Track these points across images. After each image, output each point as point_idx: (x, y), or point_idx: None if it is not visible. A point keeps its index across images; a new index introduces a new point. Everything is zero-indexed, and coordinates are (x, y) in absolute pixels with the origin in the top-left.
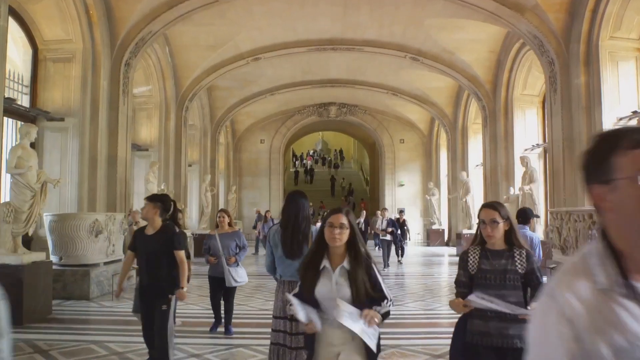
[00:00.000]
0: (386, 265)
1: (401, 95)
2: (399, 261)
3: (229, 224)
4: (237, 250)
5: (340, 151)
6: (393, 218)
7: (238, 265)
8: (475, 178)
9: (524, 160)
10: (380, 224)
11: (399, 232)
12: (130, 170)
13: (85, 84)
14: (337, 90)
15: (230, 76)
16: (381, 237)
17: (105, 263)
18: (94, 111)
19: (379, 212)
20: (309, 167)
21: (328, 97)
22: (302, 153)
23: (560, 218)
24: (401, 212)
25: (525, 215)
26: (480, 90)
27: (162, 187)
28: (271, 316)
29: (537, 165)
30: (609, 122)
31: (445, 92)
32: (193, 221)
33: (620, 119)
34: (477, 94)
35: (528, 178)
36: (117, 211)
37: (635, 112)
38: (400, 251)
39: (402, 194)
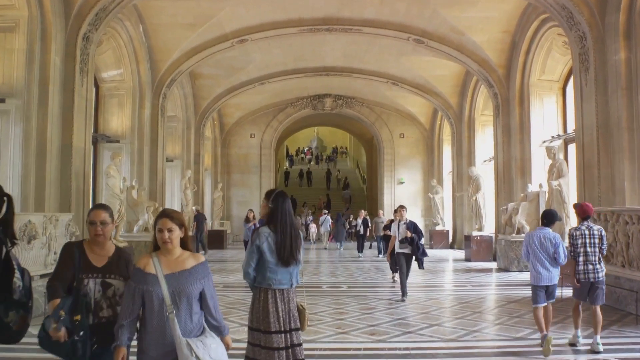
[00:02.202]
0: (405, 293)
1: (402, 85)
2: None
3: (184, 245)
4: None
5: (336, 148)
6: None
7: (205, 332)
8: (483, 174)
9: (551, 152)
10: (397, 229)
11: (422, 241)
12: (90, 163)
13: (31, 59)
14: (332, 80)
15: (215, 62)
16: (398, 250)
17: (42, 276)
18: (43, 92)
19: (381, 212)
20: (307, 169)
21: (323, 88)
22: (299, 148)
23: (605, 219)
24: (396, 211)
25: (552, 218)
26: (491, 76)
27: (133, 184)
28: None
29: None
30: None
31: (450, 81)
32: None
33: None
34: (488, 80)
35: (556, 172)
36: (73, 211)
37: None
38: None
39: (401, 192)
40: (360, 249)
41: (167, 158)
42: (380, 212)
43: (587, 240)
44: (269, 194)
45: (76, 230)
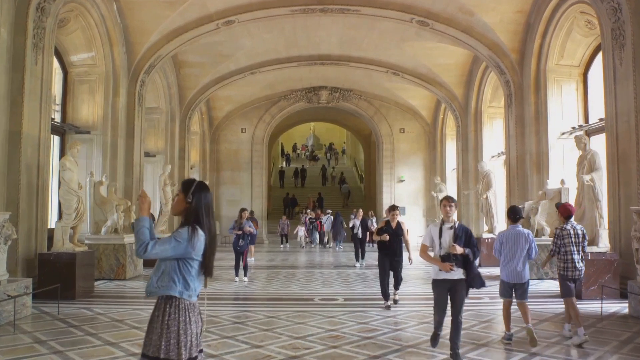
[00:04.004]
0: (457, 355)
1: (403, 75)
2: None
3: None
4: None
5: (330, 145)
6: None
7: None
8: (493, 171)
9: (581, 141)
10: (437, 237)
11: (477, 262)
12: (49, 155)
13: None
14: (328, 70)
15: (201, 47)
16: (440, 277)
17: None
18: None
19: (393, 213)
20: (301, 167)
21: (318, 80)
22: (295, 143)
23: None
24: (394, 209)
25: (516, 214)
26: (503, 62)
27: (103, 179)
28: None
29: (577, 153)
30: None
31: (455, 70)
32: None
33: None
34: (499, 66)
35: (587, 164)
36: (23, 209)
37: None
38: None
39: (402, 191)
40: (358, 256)
41: (148, 153)
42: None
43: (573, 240)
44: (187, 186)
45: (13, 233)
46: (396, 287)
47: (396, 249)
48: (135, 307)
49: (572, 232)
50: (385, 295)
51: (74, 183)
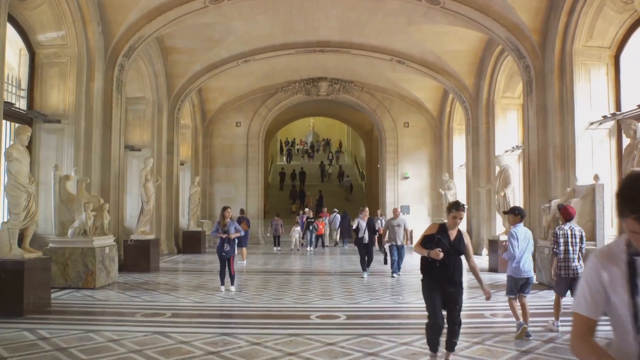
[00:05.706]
0: None
1: (408, 64)
2: None
3: None
4: None
5: (327, 142)
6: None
7: None
8: (510, 165)
9: (631, 127)
10: (621, 294)
11: None
12: (1, 145)
13: None
14: (328, 59)
15: (189, 31)
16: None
17: None
18: None
19: (397, 210)
20: (299, 169)
21: (317, 70)
22: (293, 139)
23: None
24: (457, 208)
25: (524, 213)
26: (523, 44)
27: (72, 173)
28: None
29: (608, 145)
30: None
31: (465, 57)
32: (133, 219)
33: None
34: (518, 49)
35: (639, 155)
36: None
37: None
38: None
39: (406, 189)
40: (364, 264)
41: (132, 146)
42: (397, 209)
43: (570, 240)
44: None
45: None
46: (452, 344)
47: (454, 274)
48: (93, 328)
49: (568, 232)
50: (435, 345)
51: (23, 176)
